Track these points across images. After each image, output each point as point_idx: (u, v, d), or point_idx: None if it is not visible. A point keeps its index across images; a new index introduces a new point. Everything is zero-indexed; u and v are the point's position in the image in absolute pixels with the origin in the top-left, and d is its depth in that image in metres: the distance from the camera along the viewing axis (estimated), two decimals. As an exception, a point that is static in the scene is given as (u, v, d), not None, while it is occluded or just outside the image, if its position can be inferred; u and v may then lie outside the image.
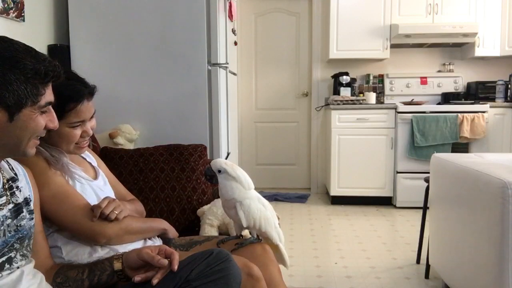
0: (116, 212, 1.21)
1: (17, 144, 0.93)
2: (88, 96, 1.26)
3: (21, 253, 0.98)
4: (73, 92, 1.22)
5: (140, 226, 1.31)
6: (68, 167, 1.25)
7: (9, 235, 0.95)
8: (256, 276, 1.18)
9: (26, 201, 1.03)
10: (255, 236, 1.41)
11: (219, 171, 1.34)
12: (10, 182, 1.00)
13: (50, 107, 0.97)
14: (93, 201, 1.26)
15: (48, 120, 0.96)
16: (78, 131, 1.26)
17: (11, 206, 0.97)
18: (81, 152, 1.34)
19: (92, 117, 1.31)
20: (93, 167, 1.42)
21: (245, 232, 1.44)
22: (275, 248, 1.46)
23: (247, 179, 1.38)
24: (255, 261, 1.27)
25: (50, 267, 1.11)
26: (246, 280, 1.14)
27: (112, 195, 1.39)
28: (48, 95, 0.94)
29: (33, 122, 0.92)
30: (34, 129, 0.93)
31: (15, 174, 1.03)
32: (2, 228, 0.93)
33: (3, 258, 0.93)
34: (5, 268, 0.93)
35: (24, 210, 1.01)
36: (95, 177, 1.38)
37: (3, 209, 0.95)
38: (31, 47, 0.92)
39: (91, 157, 1.46)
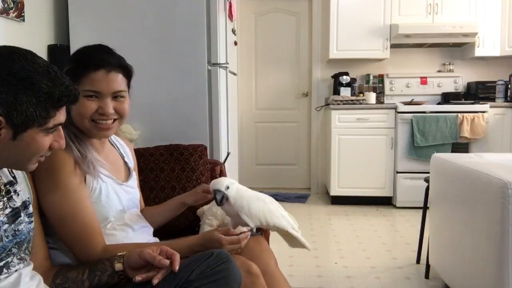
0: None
1: (17, 160, 0.92)
2: (109, 68, 1.19)
3: (19, 256, 0.97)
4: (93, 59, 1.19)
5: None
6: (94, 165, 1.19)
7: (6, 240, 0.93)
8: (255, 273, 1.19)
9: (25, 205, 1.01)
10: (254, 231, 1.42)
11: (227, 187, 1.33)
12: (7, 186, 0.98)
13: (60, 127, 0.94)
14: (113, 203, 1.25)
15: (54, 140, 0.94)
16: (92, 104, 1.19)
17: (8, 211, 0.95)
18: (102, 135, 1.25)
19: (117, 96, 1.22)
20: (128, 168, 1.40)
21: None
22: (291, 236, 1.47)
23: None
24: (249, 253, 1.28)
25: (49, 268, 1.11)
26: (245, 277, 1.14)
27: (137, 198, 1.39)
28: (59, 117, 0.91)
29: (36, 143, 0.89)
30: (36, 150, 0.91)
31: (14, 177, 1.01)
32: None
33: (1, 263, 0.92)
34: (3, 272, 0.93)
35: (22, 214, 0.99)
36: (126, 179, 1.36)
37: None
38: (53, 68, 0.88)
39: (130, 158, 1.43)
